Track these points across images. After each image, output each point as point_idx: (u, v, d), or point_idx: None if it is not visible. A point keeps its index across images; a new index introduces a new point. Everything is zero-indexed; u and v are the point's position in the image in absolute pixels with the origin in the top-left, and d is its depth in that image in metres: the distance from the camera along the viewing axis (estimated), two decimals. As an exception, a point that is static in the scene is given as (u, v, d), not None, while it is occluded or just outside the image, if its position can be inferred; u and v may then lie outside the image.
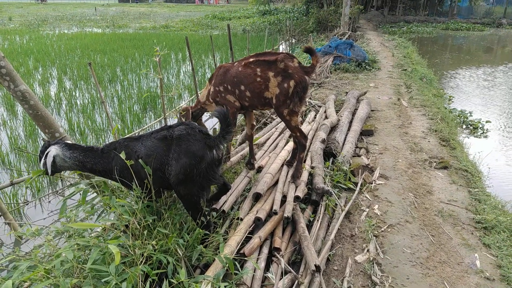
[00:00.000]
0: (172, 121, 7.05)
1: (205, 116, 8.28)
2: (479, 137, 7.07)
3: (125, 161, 2.72)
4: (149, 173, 2.81)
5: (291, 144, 5.00)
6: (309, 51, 3.69)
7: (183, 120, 4.34)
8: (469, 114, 8.10)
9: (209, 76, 11.21)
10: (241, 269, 2.78)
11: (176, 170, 2.79)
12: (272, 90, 3.69)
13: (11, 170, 5.55)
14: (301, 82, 3.62)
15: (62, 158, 2.94)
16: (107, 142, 3.21)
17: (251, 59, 3.79)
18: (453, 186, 4.52)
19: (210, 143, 2.86)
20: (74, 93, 9.45)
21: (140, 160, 2.83)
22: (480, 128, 7.41)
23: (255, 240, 3.15)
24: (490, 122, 7.76)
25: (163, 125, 3.13)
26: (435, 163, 5.05)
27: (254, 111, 4.38)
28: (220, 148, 2.93)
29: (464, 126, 7.58)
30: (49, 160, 2.88)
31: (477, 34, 26.00)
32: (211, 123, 8.02)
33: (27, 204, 4.76)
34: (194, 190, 2.88)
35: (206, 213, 3.07)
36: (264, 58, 3.72)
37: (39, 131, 6.41)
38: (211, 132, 3.42)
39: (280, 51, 3.84)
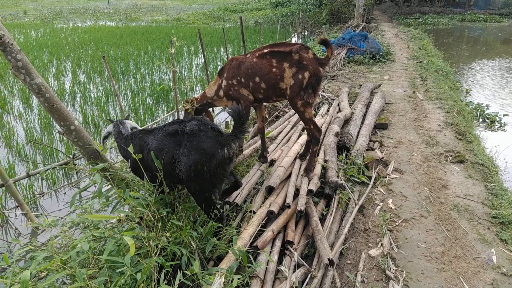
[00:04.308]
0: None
1: (218, 109, 8.30)
2: (496, 131, 6.92)
3: (133, 155, 2.75)
4: (159, 167, 2.82)
5: (303, 137, 4.97)
6: (324, 43, 3.66)
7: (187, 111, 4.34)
8: (486, 107, 7.94)
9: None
10: (254, 262, 2.78)
11: (186, 166, 2.77)
12: (287, 81, 3.67)
13: (27, 162, 5.64)
14: (316, 74, 3.60)
15: (113, 133, 3.40)
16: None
17: (266, 50, 3.76)
18: (469, 180, 4.45)
19: (222, 141, 2.81)
20: (88, 86, 9.54)
21: (151, 153, 2.83)
22: (497, 121, 7.25)
23: (268, 233, 3.14)
24: (507, 115, 7.59)
25: (175, 119, 3.13)
26: (451, 157, 4.97)
27: (265, 103, 4.34)
28: (232, 147, 2.88)
29: (480, 120, 7.43)
30: (103, 133, 3.48)
31: (495, 25, 25.37)
32: (223, 116, 8.03)
33: (43, 196, 4.84)
34: (204, 187, 2.87)
35: (219, 206, 3.07)
36: (279, 49, 3.69)
37: (54, 123, 6.50)
38: (222, 126, 3.42)
39: (294, 42, 3.80)
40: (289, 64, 3.63)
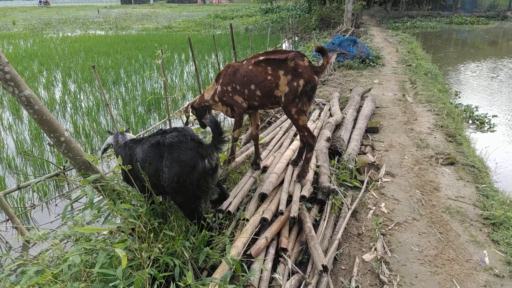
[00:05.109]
0: (177, 122, 7.06)
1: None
2: (486, 132, 7.00)
3: (122, 166, 2.74)
4: (146, 179, 2.80)
5: (296, 143, 4.99)
6: (320, 51, 3.67)
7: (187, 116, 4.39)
8: (475, 109, 8.03)
9: (212, 76, 11.21)
10: (248, 270, 2.77)
11: (169, 178, 2.74)
12: (282, 88, 3.67)
13: (18, 174, 5.58)
14: (310, 82, 3.61)
15: (113, 144, 3.41)
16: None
17: (261, 58, 3.77)
18: (460, 182, 4.48)
19: (203, 152, 2.77)
20: (78, 96, 9.48)
21: (138, 164, 2.82)
22: (487, 122, 7.34)
23: (262, 241, 3.14)
24: (496, 116, 7.69)
25: (160, 129, 3.12)
26: (441, 159, 5.01)
27: (259, 110, 4.37)
28: (213, 158, 2.84)
29: (470, 121, 7.51)
30: (103, 146, 3.50)
31: (482, 27, 25.76)
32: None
33: (34, 208, 4.78)
34: (189, 199, 2.84)
35: (211, 215, 3.05)
36: (275, 56, 3.70)
37: (45, 135, 6.44)
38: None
39: (290, 50, 3.82)
40: (284, 72, 3.63)
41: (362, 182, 4.45)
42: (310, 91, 3.67)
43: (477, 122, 7.40)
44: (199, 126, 4.78)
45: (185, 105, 4.51)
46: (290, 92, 3.65)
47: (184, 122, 4.60)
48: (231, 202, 3.59)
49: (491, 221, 3.68)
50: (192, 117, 4.84)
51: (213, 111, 4.54)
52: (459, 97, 9.36)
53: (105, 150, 3.53)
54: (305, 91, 3.63)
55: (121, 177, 3.34)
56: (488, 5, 33.69)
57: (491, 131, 7.04)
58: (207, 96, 4.28)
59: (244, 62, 3.92)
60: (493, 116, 7.64)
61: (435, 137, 5.78)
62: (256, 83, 3.76)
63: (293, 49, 3.84)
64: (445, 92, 8.93)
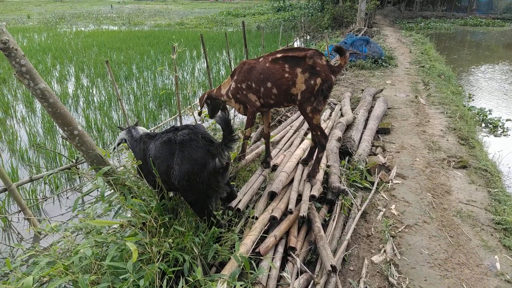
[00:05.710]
0: (188, 118, 7.09)
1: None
2: (499, 136, 6.91)
3: (133, 162, 2.75)
4: (157, 175, 2.81)
5: (306, 143, 4.97)
6: (338, 50, 3.66)
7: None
8: (488, 112, 7.92)
9: (223, 73, 11.22)
10: (257, 268, 2.77)
11: (180, 176, 2.73)
12: (299, 86, 3.66)
13: (30, 167, 5.65)
14: (327, 81, 3.59)
15: (127, 139, 3.43)
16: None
17: (279, 55, 3.75)
18: (472, 186, 4.43)
19: (213, 150, 2.74)
20: (91, 91, 9.58)
21: (150, 160, 2.84)
22: (500, 126, 7.24)
23: (271, 239, 3.14)
24: (510, 120, 7.57)
25: (172, 126, 3.13)
26: (453, 163, 4.95)
27: (271, 109, 4.35)
28: (224, 157, 2.80)
29: (483, 125, 7.42)
30: (117, 140, 3.53)
31: (497, 29, 25.38)
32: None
33: (45, 200, 4.84)
34: (199, 197, 2.84)
35: (221, 212, 3.06)
36: (293, 54, 3.68)
37: (57, 128, 6.52)
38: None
39: (308, 48, 3.80)
40: (302, 70, 3.62)
41: (372, 183, 4.42)
42: (326, 90, 3.65)
43: (490, 126, 7.31)
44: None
45: (202, 95, 4.48)
46: (306, 90, 3.63)
47: (198, 112, 4.58)
48: (240, 200, 3.59)
49: (503, 226, 3.63)
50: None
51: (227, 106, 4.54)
52: (473, 100, 9.24)
53: (118, 145, 3.55)
54: (321, 90, 3.62)
55: (135, 172, 3.37)
56: (504, 7, 33.19)
57: (504, 135, 6.94)
58: (223, 91, 4.27)
59: (261, 59, 3.90)
60: (506, 120, 7.53)
61: (447, 140, 5.71)
62: (273, 81, 3.75)
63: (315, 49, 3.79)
64: (459, 95, 8.82)
